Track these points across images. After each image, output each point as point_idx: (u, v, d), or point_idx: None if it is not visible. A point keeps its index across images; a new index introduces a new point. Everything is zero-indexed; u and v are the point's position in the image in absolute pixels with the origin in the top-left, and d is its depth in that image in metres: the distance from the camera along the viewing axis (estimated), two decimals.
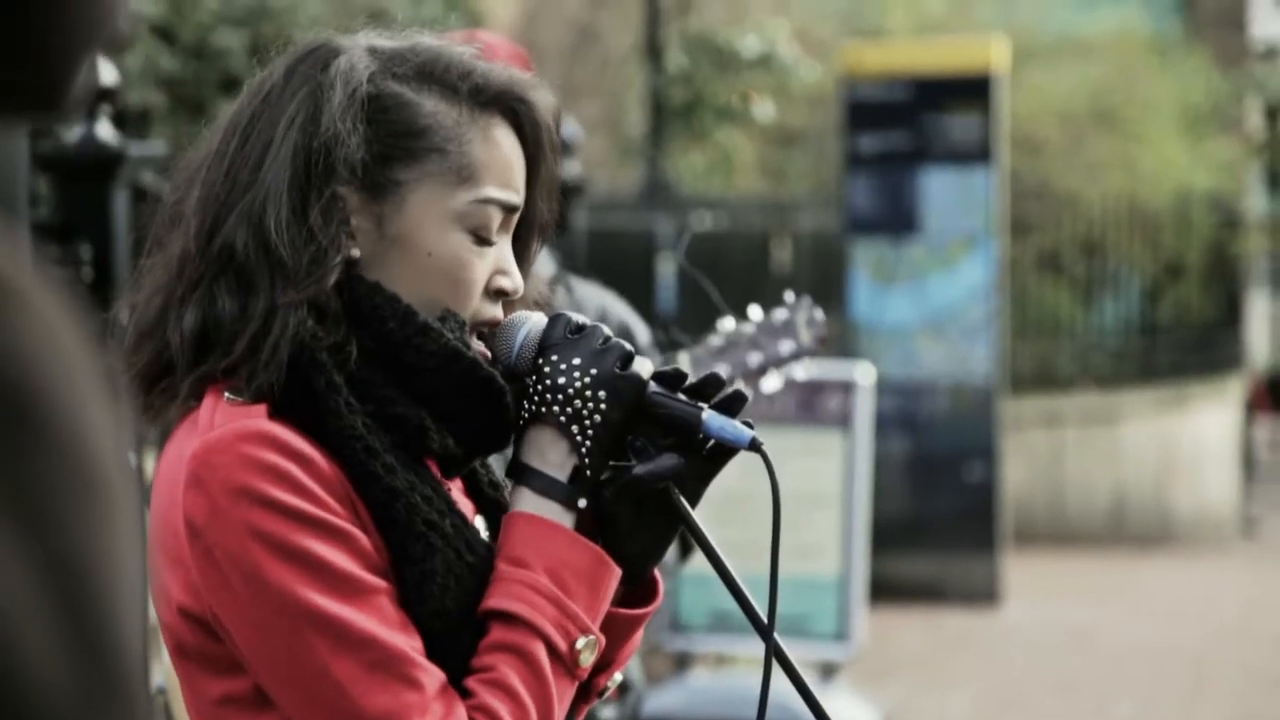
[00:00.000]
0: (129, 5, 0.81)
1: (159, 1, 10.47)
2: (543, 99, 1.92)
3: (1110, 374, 14.01)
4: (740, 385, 3.17)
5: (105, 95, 4.15)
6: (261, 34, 9.98)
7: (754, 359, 3.20)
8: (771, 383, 3.23)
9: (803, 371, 3.26)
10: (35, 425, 0.67)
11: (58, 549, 0.67)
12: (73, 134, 4.17)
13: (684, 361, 3.16)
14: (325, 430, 1.76)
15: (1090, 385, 13.72)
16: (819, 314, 3.27)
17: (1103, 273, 14.57)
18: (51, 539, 0.67)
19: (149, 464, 4.21)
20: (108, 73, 4.12)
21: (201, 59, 10.28)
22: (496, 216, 1.88)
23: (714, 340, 3.21)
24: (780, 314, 3.24)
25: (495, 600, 1.80)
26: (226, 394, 1.77)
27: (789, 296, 3.28)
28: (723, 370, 3.15)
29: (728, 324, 3.22)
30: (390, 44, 1.90)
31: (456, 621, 1.79)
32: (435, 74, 1.88)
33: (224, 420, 1.75)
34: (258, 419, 1.75)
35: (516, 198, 1.90)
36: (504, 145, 1.90)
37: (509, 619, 1.79)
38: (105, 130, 4.14)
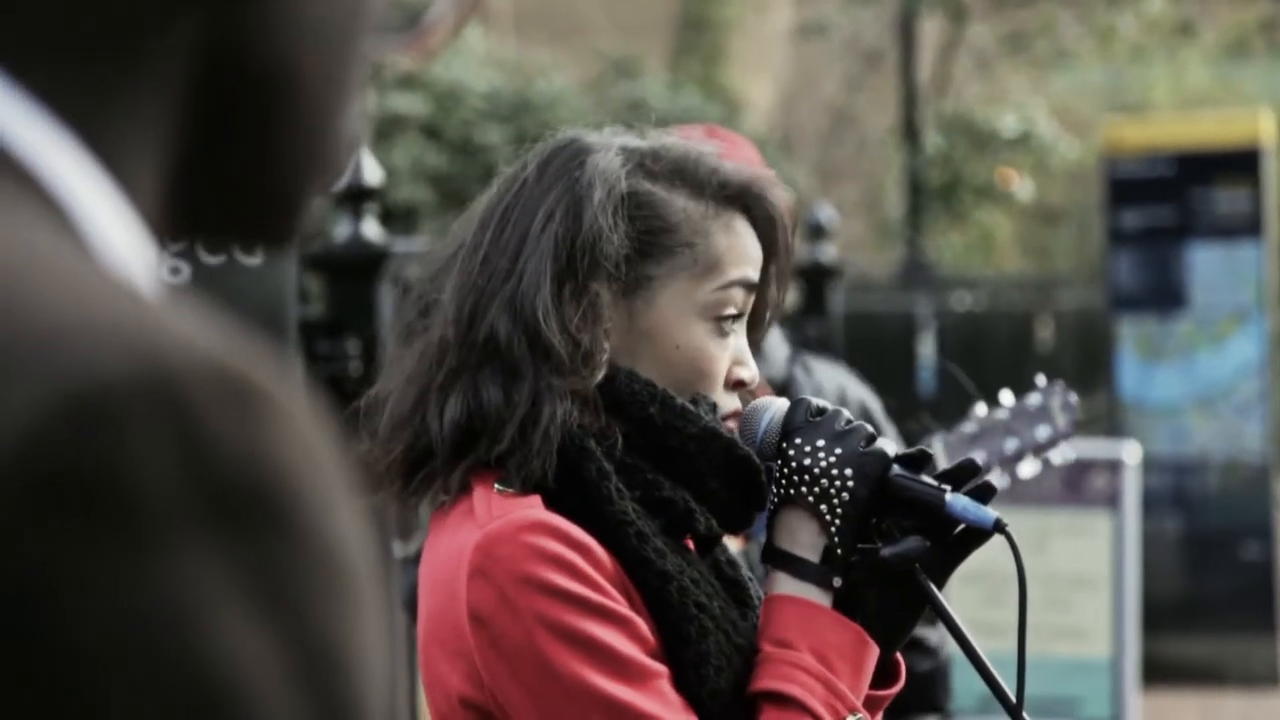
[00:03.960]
0: (353, 148, 0.86)
1: (426, 101, 10.74)
2: (780, 196, 1.97)
3: None
4: (997, 471, 3.16)
5: (370, 194, 4.28)
6: (524, 128, 10.19)
7: (1010, 445, 3.18)
8: (1028, 469, 3.21)
9: (1059, 457, 3.24)
10: (287, 522, 0.70)
11: (308, 637, 0.69)
12: (340, 233, 4.31)
13: (938, 449, 3.16)
14: (597, 517, 1.80)
15: None
16: (1073, 397, 3.25)
17: None
18: (302, 627, 0.69)
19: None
20: (373, 172, 4.26)
21: (466, 154, 10.52)
22: (739, 297, 1.92)
23: (968, 427, 3.21)
24: (1034, 399, 3.22)
25: (766, 681, 1.83)
26: (496, 485, 1.81)
27: (1041, 380, 3.27)
28: (979, 456, 3.14)
29: (981, 410, 3.22)
30: (640, 143, 1.95)
31: (729, 702, 1.82)
32: (686, 171, 1.93)
33: (501, 512, 1.79)
34: (537, 509, 1.79)
35: (755, 274, 1.94)
36: (743, 235, 1.95)
37: (781, 700, 1.82)
38: (371, 228, 4.27)
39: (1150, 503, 9.23)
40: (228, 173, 0.82)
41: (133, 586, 0.67)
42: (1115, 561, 7.71)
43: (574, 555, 1.76)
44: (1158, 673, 9.48)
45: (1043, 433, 3.20)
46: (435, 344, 1.88)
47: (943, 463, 1.95)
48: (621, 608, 1.78)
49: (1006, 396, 3.22)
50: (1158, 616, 9.45)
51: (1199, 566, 10.25)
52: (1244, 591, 10.17)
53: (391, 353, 1.97)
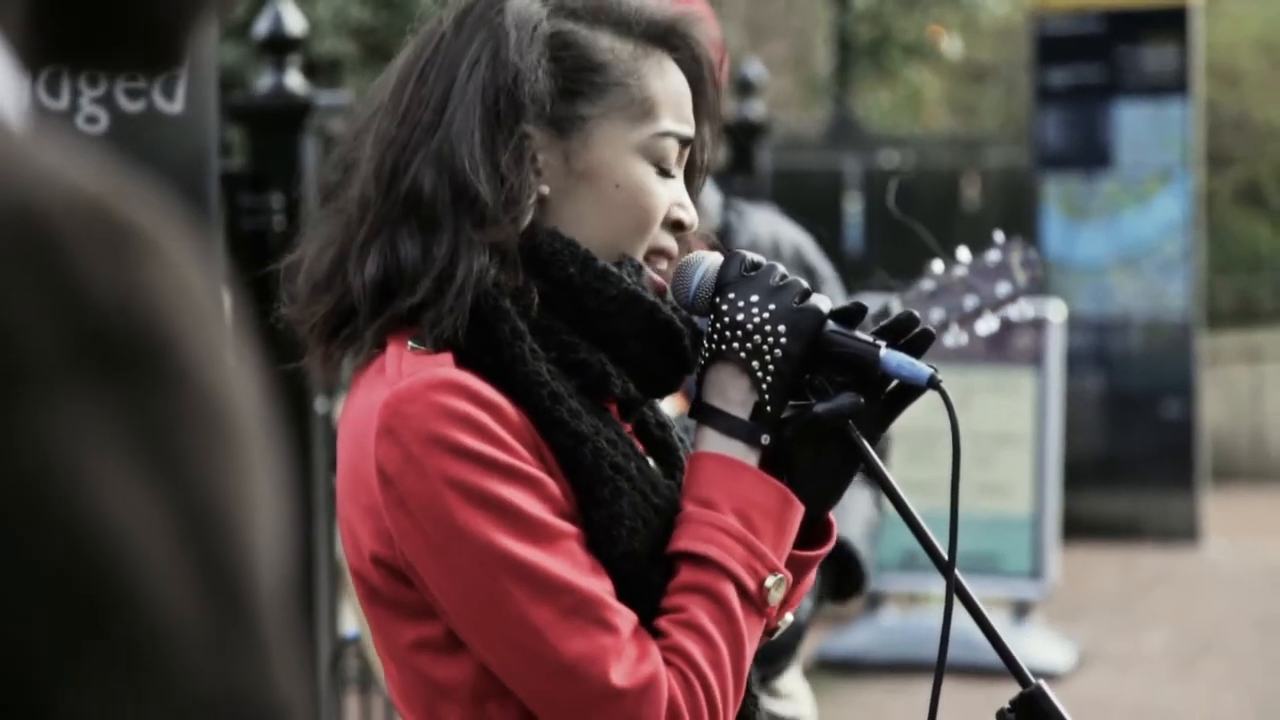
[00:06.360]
0: None
1: None
2: (706, 33, 1.94)
3: None
4: (955, 329, 3.14)
5: (294, 45, 4.20)
6: None
7: (969, 302, 3.15)
8: (987, 325, 3.18)
9: (1018, 313, 3.21)
10: (166, 368, 0.67)
11: (188, 489, 0.67)
12: (263, 84, 4.24)
13: (896, 307, 3.12)
14: (509, 377, 1.77)
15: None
16: (1033, 254, 3.21)
17: None
18: (182, 478, 0.67)
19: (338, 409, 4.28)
20: (295, 22, 4.18)
21: (391, 8, 10.39)
22: (675, 149, 1.90)
23: (925, 284, 3.17)
24: (993, 255, 3.18)
25: (684, 542, 1.81)
26: (410, 343, 1.78)
27: (999, 237, 3.23)
28: (937, 314, 3.12)
29: (938, 267, 3.18)
30: None
31: (645, 562, 1.80)
32: (608, 9, 1.90)
33: (412, 370, 1.76)
34: (446, 367, 1.76)
35: (690, 130, 1.92)
36: (675, 79, 1.92)
37: (698, 560, 1.80)
38: (294, 80, 4.20)
39: (1073, 361, 9.30)
40: None
41: (3, 441, 0.64)
42: (1038, 419, 7.76)
43: (482, 414, 1.73)
44: (1077, 528, 9.59)
45: (1003, 289, 3.16)
46: (355, 203, 1.84)
47: None
48: (530, 467, 1.75)
49: (963, 253, 3.18)
50: (1078, 473, 9.55)
51: (1120, 424, 10.35)
52: (1164, 449, 10.29)
53: (314, 214, 1.93)
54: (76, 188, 0.66)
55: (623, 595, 1.77)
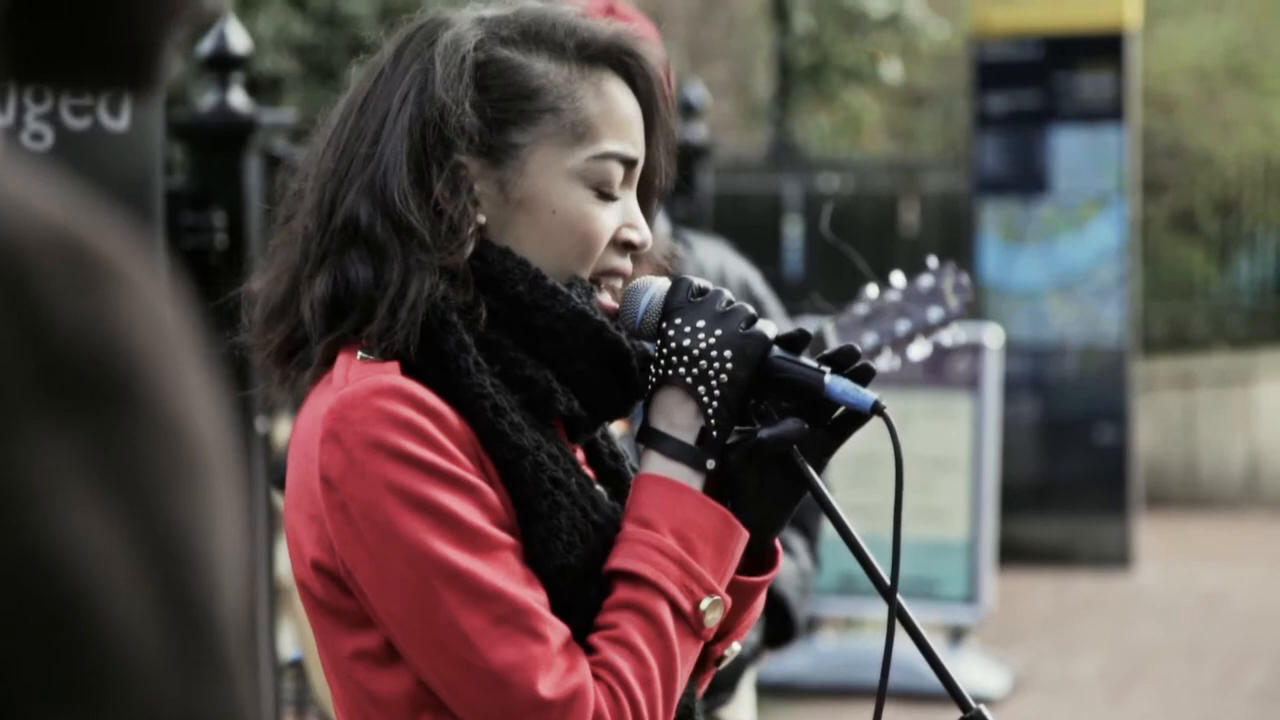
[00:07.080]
0: None
1: None
2: (651, 51, 1.93)
3: (1245, 334, 13.82)
4: (888, 353, 3.15)
5: (237, 63, 4.19)
6: (391, 0, 10.06)
7: (902, 326, 3.16)
8: (920, 350, 3.20)
9: (949, 338, 3.22)
10: (133, 399, 0.67)
11: (153, 519, 0.67)
12: (206, 102, 4.22)
13: (829, 331, 3.13)
14: (454, 389, 1.79)
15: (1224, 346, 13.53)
16: (965, 279, 3.22)
17: (1238, 232, 14.36)
18: (147, 509, 0.67)
19: (281, 430, 4.26)
20: (240, 40, 4.17)
21: (332, 25, 10.37)
22: (617, 171, 1.89)
23: (859, 308, 3.18)
24: (926, 280, 3.20)
25: (619, 560, 1.82)
26: (359, 353, 1.80)
27: (933, 262, 3.24)
28: (870, 338, 3.13)
29: (872, 292, 3.19)
30: (495, 11, 1.92)
31: (581, 578, 1.81)
32: (541, 34, 1.89)
33: (358, 376, 1.77)
34: (392, 375, 1.77)
35: (635, 150, 1.91)
36: (618, 99, 1.91)
37: (633, 579, 1.81)
38: (238, 98, 4.19)
39: (1008, 386, 9.34)
40: (71, 16, 0.76)
41: None
42: (974, 444, 7.80)
43: (425, 421, 1.75)
44: (1012, 553, 9.63)
45: (934, 314, 3.17)
46: (300, 234, 1.86)
47: (834, 344, 1.93)
48: (470, 475, 1.76)
49: (897, 278, 3.20)
50: (1013, 498, 9.60)
51: (1054, 450, 10.41)
52: (1097, 475, 10.35)
53: (265, 239, 1.95)
54: (45, 217, 0.66)
55: (557, 610, 1.78)
